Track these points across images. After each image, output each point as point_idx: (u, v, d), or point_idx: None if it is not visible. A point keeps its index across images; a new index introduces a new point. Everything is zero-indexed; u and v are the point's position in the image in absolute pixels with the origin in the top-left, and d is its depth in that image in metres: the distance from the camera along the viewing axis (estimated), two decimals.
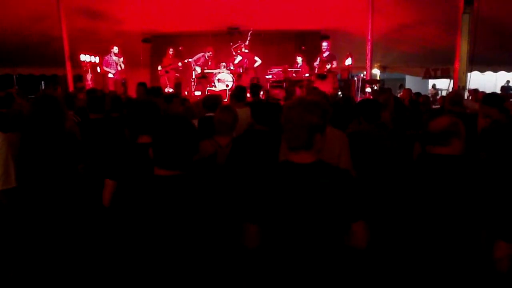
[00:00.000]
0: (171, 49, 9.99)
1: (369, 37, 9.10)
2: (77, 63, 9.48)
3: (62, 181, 2.64)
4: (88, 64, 9.73)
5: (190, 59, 9.78)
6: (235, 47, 9.79)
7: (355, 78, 9.69)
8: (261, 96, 6.83)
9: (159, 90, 5.97)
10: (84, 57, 9.59)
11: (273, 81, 9.40)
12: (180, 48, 10.14)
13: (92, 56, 9.84)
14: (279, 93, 8.83)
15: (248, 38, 9.78)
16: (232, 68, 9.51)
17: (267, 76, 9.59)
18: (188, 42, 10.81)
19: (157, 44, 11.54)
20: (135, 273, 1.61)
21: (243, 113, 3.54)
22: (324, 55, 9.25)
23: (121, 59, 9.61)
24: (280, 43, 11.57)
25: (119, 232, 1.69)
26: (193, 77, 9.71)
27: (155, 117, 2.43)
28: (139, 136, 2.45)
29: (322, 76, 8.96)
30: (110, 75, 9.59)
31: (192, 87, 9.76)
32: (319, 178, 1.59)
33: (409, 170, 2.26)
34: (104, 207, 2.36)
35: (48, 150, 2.61)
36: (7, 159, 2.61)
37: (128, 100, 4.90)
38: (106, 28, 10.29)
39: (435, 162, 2.06)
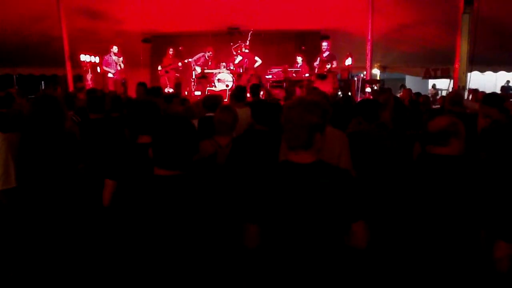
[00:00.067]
0: (171, 49, 9.99)
1: (369, 37, 9.10)
2: (77, 63, 9.48)
3: (62, 181, 2.64)
4: (88, 64, 9.73)
5: (190, 59, 9.78)
6: (236, 47, 9.78)
7: (355, 78, 9.69)
8: (261, 96, 6.84)
9: (159, 90, 5.98)
10: (84, 57, 9.59)
11: (273, 81, 9.40)
12: (180, 48, 10.14)
13: (92, 56, 9.84)
14: (279, 93, 8.83)
15: (249, 38, 9.78)
16: (232, 68, 9.51)
17: (267, 76, 9.59)
18: (188, 42, 10.81)
19: (157, 44, 11.54)
20: (135, 273, 1.62)
21: (243, 113, 3.55)
22: (324, 55, 9.25)
23: (121, 58, 9.62)
24: (280, 43, 11.57)
25: (119, 232, 1.69)
26: (193, 77, 9.71)
27: (155, 117, 2.43)
28: (139, 136, 2.45)
29: (322, 76, 8.96)
30: (110, 75, 9.59)
31: (192, 87, 9.76)
32: (319, 178, 1.59)
33: (409, 170, 2.26)
34: (104, 207, 2.36)
35: (48, 150, 2.61)
36: (7, 159, 2.62)
37: (128, 100, 4.90)
38: (106, 28, 10.29)
39: (435, 162, 2.06)
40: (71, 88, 9.20)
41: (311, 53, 9.89)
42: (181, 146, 1.61)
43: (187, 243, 1.57)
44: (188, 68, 9.96)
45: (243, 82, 8.86)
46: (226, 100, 7.02)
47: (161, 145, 1.62)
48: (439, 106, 8.19)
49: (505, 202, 1.92)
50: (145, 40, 11.60)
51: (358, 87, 9.35)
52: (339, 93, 8.97)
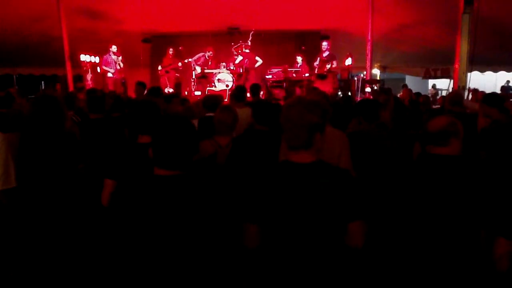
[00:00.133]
0: (171, 49, 9.98)
1: (369, 37, 9.10)
2: (77, 63, 9.48)
3: (61, 181, 2.64)
4: (88, 64, 9.73)
5: (190, 59, 9.77)
6: (236, 47, 9.78)
7: (355, 78, 9.69)
8: (261, 96, 6.83)
9: (159, 90, 5.97)
10: (84, 57, 9.59)
11: (273, 81, 9.39)
12: (180, 48, 10.13)
13: (92, 56, 9.84)
14: (279, 93, 8.83)
15: (250, 38, 9.78)
16: (232, 68, 9.51)
17: (267, 76, 9.59)
18: (188, 42, 10.81)
19: (157, 44, 11.54)
20: (135, 273, 1.61)
21: (243, 113, 3.54)
22: (324, 55, 9.24)
23: (120, 58, 9.62)
24: (280, 43, 11.57)
25: (119, 232, 1.69)
26: (193, 77, 9.71)
27: (155, 117, 2.43)
28: (139, 136, 2.45)
29: (322, 76, 8.96)
30: (109, 74, 9.59)
31: (192, 87, 9.75)
32: (319, 178, 1.59)
33: (409, 170, 2.26)
34: (104, 207, 2.36)
35: (48, 150, 2.61)
36: (7, 159, 2.62)
37: (128, 100, 4.90)
38: (106, 28, 10.29)
39: (435, 162, 2.06)
40: (71, 88, 9.20)
41: (311, 53, 9.88)
42: (181, 146, 1.61)
43: (187, 243, 1.57)
44: (188, 68, 9.95)
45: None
46: (226, 100, 7.03)
47: (161, 145, 1.62)
48: (439, 106, 8.19)
49: (505, 199, 1.92)
50: (145, 40, 11.61)
51: (358, 87, 9.34)
52: (339, 93, 8.97)
